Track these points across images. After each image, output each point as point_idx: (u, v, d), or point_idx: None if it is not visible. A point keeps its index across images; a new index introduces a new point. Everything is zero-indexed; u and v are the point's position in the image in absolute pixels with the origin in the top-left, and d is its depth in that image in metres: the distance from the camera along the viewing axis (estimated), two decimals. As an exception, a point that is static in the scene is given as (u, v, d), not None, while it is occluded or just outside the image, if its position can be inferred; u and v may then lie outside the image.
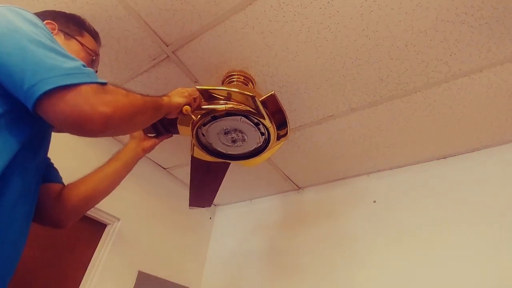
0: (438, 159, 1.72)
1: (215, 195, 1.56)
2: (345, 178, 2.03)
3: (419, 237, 1.55)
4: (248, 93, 1.02)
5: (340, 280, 1.69)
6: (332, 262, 1.77)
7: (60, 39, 0.80)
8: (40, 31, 0.59)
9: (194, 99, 0.96)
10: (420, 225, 1.58)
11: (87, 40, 0.88)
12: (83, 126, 0.55)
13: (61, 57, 0.56)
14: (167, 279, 2.00)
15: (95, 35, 0.93)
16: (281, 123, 1.12)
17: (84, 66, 0.58)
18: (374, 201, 1.82)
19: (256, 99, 1.00)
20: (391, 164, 1.84)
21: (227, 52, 1.26)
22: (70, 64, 0.56)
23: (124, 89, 0.65)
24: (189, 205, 1.53)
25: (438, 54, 1.16)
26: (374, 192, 1.85)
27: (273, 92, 1.04)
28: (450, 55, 1.16)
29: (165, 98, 0.84)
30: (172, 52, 1.29)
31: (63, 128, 0.57)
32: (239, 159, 1.26)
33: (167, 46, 1.26)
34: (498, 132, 1.50)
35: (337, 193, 2.02)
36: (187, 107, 0.92)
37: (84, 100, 0.54)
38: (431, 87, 1.30)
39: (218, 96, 1.05)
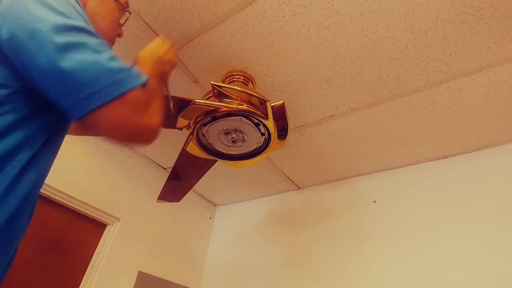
0: (438, 159, 1.72)
1: (187, 192, 1.54)
2: (345, 178, 2.03)
3: (419, 237, 1.55)
4: (260, 96, 1.03)
5: (340, 280, 1.69)
6: (332, 261, 1.77)
7: None
8: (66, 8, 0.53)
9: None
10: (420, 225, 1.58)
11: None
12: (140, 139, 0.55)
13: (96, 50, 0.52)
14: (167, 279, 2.00)
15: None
16: (283, 130, 1.14)
17: (119, 60, 0.55)
18: (374, 201, 1.82)
19: (268, 104, 1.02)
20: (391, 164, 1.84)
21: (227, 52, 1.26)
22: (112, 63, 0.52)
23: (147, 75, 0.61)
24: (158, 198, 1.50)
25: (438, 54, 1.16)
26: (374, 192, 1.85)
27: (283, 101, 1.06)
28: (450, 55, 1.16)
29: (156, 69, 0.72)
30: (172, 52, 1.29)
31: (115, 139, 0.55)
32: (238, 159, 1.26)
33: (167, 46, 1.26)
34: (498, 132, 1.50)
35: (337, 193, 2.02)
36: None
37: (137, 112, 0.53)
38: (431, 87, 1.30)
39: (229, 95, 1.05)
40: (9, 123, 0.50)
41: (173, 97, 1.02)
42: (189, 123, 1.11)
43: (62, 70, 0.48)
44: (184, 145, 1.23)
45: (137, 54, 0.74)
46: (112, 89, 0.50)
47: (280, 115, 1.10)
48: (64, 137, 0.67)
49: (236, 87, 1.08)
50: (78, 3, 0.59)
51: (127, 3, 0.83)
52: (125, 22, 0.83)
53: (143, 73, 0.60)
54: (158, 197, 1.49)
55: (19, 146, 0.51)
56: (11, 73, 0.51)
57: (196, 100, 1.03)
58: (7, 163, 0.49)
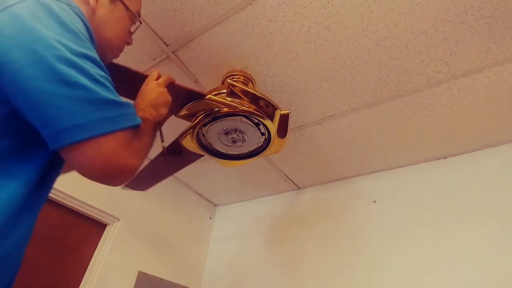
0: (438, 159, 1.72)
1: (158, 182, 1.49)
2: (345, 178, 2.03)
3: (419, 237, 1.55)
4: (272, 103, 1.06)
5: (340, 280, 1.69)
6: (332, 261, 1.77)
7: (104, 2, 0.70)
8: (71, 36, 0.50)
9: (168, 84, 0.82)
10: (420, 225, 1.58)
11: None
12: (113, 179, 0.52)
13: (94, 84, 0.49)
14: (167, 279, 2.00)
15: None
16: (281, 136, 1.16)
17: (117, 97, 0.53)
18: (374, 201, 1.82)
19: (277, 112, 1.04)
20: (391, 164, 1.84)
21: (227, 52, 1.26)
22: (109, 98, 0.50)
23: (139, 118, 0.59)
24: (124, 185, 1.41)
25: (438, 54, 1.16)
26: (374, 192, 1.85)
27: (288, 111, 1.10)
28: (450, 55, 1.16)
29: (150, 114, 0.70)
30: (172, 52, 1.29)
31: (86, 176, 0.52)
32: (237, 159, 1.26)
33: (167, 46, 1.26)
34: (498, 132, 1.50)
35: (337, 193, 2.02)
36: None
37: (117, 153, 0.50)
38: (431, 87, 1.30)
39: (240, 95, 1.06)
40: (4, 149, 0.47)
41: (187, 90, 0.99)
42: (189, 115, 1.10)
43: (51, 94, 0.45)
44: (180, 137, 1.20)
45: (137, 54, 0.73)
46: (99, 125, 0.48)
47: (283, 123, 1.13)
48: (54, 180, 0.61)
49: (250, 90, 1.09)
50: (85, 25, 0.56)
51: (138, 12, 0.81)
52: (135, 31, 0.81)
53: (137, 115, 0.58)
54: (126, 184, 1.39)
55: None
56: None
57: (209, 95, 1.03)
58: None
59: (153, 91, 0.75)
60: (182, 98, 1.02)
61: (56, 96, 0.45)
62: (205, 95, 1.03)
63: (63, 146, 0.47)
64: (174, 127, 1.24)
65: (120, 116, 0.51)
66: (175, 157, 1.31)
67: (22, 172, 0.49)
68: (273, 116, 1.07)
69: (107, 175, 0.51)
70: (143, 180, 1.41)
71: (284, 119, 1.12)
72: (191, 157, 1.33)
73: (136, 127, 0.55)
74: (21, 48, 0.45)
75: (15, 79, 0.45)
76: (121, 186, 1.36)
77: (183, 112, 1.08)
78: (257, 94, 1.06)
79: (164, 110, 0.75)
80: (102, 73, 0.52)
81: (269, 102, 1.05)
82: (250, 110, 1.04)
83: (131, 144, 0.54)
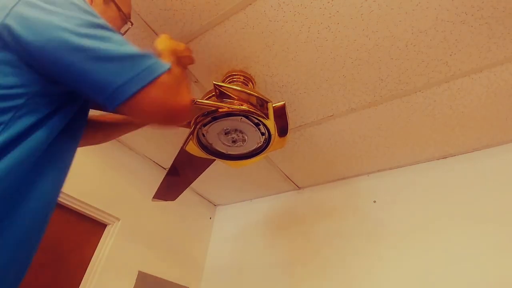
0: (438, 159, 1.72)
1: (183, 190, 1.53)
2: (345, 178, 2.03)
3: (419, 237, 1.55)
4: (262, 97, 1.04)
5: (340, 280, 1.69)
6: (332, 261, 1.77)
7: (98, 2, 0.74)
8: (86, 15, 0.56)
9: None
10: (420, 225, 1.58)
11: (124, 1, 0.81)
12: (175, 118, 0.59)
13: (121, 45, 0.55)
14: (167, 279, 2.00)
15: None
16: (282, 131, 1.14)
17: (144, 51, 0.59)
18: (374, 201, 1.82)
19: (269, 105, 1.02)
20: (391, 164, 1.84)
21: (227, 52, 1.26)
22: (139, 53, 0.56)
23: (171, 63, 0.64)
24: (153, 197, 1.49)
25: (438, 54, 1.16)
26: (374, 192, 1.85)
27: (284, 102, 1.06)
28: (450, 55, 1.16)
29: (170, 55, 0.76)
30: (172, 52, 1.29)
31: (152, 122, 0.60)
32: (238, 159, 1.26)
33: (167, 46, 1.26)
34: (498, 132, 1.50)
35: (337, 193, 2.02)
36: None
37: (168, 95, 0.56)
38: (431, 87, 1.30)
39: (231, 95, 1.05)
40: (29, 125, 0.51)
41: None
42: (190, 123, 1.11)
43: (93, 65, 0.51)
44: (184, 144, 1.23)
45: (154, 46, 0.79)
46: (145, 75, 0.53)
47: (281, 116, 1.10)
48: (82, 131, 0.68)
49: (238, 87, 1.08)
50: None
51: (129, 14, 0.85)
52: (126, 32, 0.85)
53: (166, 61, 0.63)
54: (154, 196, 1.48)
55: (39, 147, 0.53)
56: (30, 77, 0.52)
57: (197, 100, 1.03)
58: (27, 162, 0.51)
59: (178, 46, 0.82)
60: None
61: (98, 69, 0.51)
62: (193, 100, 1.02)
63: (120, 105, 0.52)
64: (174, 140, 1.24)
65: (154, 64, 0.56)
66: (188, 167, 1.35)
67: (54, 122, 0.56)
68: (267, 111, 1.06)
69: (167, 116, 0.58)
70: (167, 191, 1.47)
71: (280, 112, 1.09)
72: (203, 164, 1.35)
73: (169, 71, 0.59)
74: (53, 33, 0.51)
75: (59, 65, 0.52)
76: (152, 199, 1.45)
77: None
78: (246, 91, 1.06)
79: (186, 61, 0.84)
80: (120, 35, 0.58)
81: (258, 97, 1.04)
82: (245, 108, 1.03)
83: (174, 85, 0.59)
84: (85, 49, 0.51)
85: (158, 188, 1.44)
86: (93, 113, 0.75)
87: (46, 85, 0.54)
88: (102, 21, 0.56)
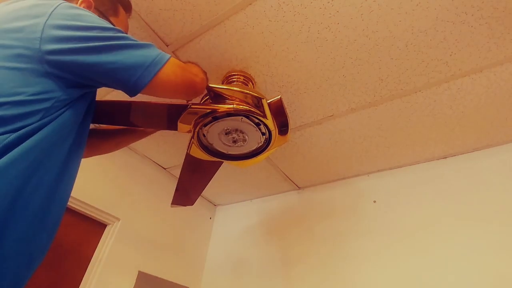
0: (438, 159, 1.72)
1: (200, 194, 1.54)
2: (345, 178, 2.03)
3: (419, 237, 1.55)
4: (255, 94, 1.03)
5: (339, 280, 1.69)
6: (332, 262, 1.77)
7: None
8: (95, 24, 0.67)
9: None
10: (420, 225, 1.58)
11: (121, 20, 0.88)
12: (195, 88, 0.76)
13: (128, 41, 0.67)
14: (167, 279, 2.00)
15: (128, 8, 0.92)
16: (283, 126, 1.13)
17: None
18: (374, 201, 1.82)
19: (263, 101, 1.01)
20: (391, 164, 1.84)
21: (227, 52, 1.26)
22: (149, 45, 0.69)
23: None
24: (171, 203, 1.49)
25: (438, 54, 1.16)
26: (374, 192, 1.85)
27: (279, 96, 1.05)
28: (450, 55, 1.16)
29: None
30: (172, 52, 1.29)
31: (176, 97, 0.74)
32: (239, 159, 1.26)
33: (167, 46, 1.26)
34: (498, 132, 1.50)
35: (337, 193, 2.02)
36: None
37: (182, 69, 0.71)
38: (431, 87, 1.30)
39: (225, 96, 1.05)
40: (46, 126, 0.59)
41: (168, 105, 1.01)
42: (190, 128, 1.11)
43: (118, 62, 0.64)
44: (187, 149, 1.23)
45: None
46: (160, 58, 0.67)
47: (279, 111, 1.08)
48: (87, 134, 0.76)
49: (230, 87, 1.07)
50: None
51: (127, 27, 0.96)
52: None
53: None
54: (172, 202, 1.49)
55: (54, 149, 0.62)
56: (55, 84, 0.61)
57: (192, 105, 1.02)
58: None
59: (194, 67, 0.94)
60: (168, 113, 1.01)
61: (119, 66, 0.64)
62: (188, 105, 1.02)
63: (143, 88, 0.65)
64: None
65: (160, 52, 0.69)
66: (197, 171, 1.35)
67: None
68: (263, 108, 1.05)
69: (188, 89, 0.74)
70: (183, 197, 1.50)
71: (276, 108, 1.07)
72: (212, 166, 1.35)
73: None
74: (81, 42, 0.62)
75: (85, 67, 0.63)
76: (171, 205, 1.48)
77: (181, 127, 1.08)
78: (239, 90, 1.05)
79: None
80: (122, 32, 0.69)
81: (253, 95, 1.04)
82: (239, 108, 1.03)
83: (182, 63, 0.73)
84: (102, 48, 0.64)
85: (175, 194, 1.45)
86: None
87: (66, 90, 0.63)
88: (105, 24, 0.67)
